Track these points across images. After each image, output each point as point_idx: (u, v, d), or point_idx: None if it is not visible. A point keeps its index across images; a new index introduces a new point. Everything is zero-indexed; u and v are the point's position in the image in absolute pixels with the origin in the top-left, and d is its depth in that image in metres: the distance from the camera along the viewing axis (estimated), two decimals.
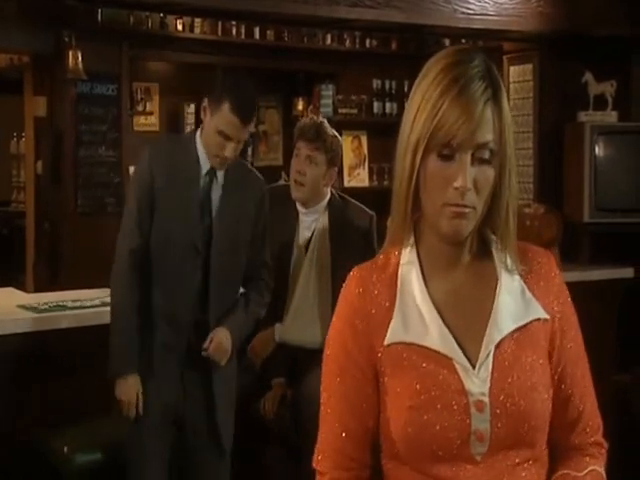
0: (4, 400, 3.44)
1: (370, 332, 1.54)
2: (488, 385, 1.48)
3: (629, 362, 5.16)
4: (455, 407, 1.47)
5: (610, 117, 5.80)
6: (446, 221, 1.47)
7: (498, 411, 1.47)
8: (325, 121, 3.79)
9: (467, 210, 1.46)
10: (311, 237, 3.73)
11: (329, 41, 6.79)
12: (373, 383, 1.55)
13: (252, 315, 3.40)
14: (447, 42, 6.71)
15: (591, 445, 1.60)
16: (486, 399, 1.47)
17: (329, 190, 3.76)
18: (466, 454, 1.47)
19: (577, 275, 4.91)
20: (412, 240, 1.56)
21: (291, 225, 3.72)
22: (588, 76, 5.77)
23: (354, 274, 1.59)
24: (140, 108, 6.63)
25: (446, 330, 1.50)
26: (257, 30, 6.47)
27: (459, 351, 1.49)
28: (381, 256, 1.60)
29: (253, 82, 3.32)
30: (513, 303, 1.53)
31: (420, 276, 1.54)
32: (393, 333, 1.52)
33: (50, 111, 6.03)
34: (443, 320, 1.51)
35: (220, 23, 6.32)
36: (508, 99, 1.52)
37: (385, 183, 6.92)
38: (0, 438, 3.41)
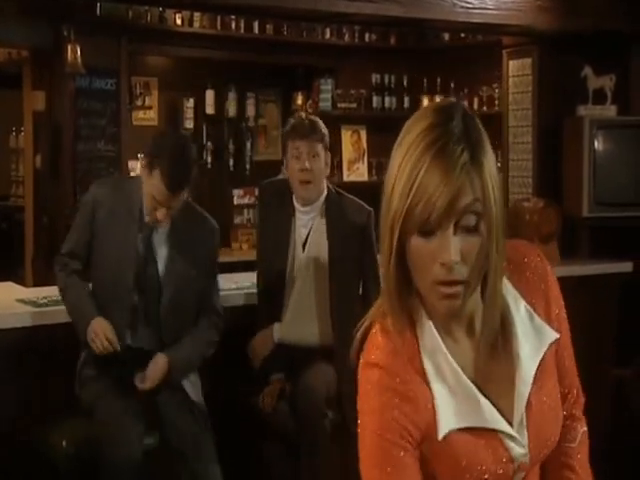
0: (2, 395, 3.44)
1: (414, 421, 1.44)
2: (526, 440, 1.48)
3: (628, 356, 5.16)
4: (501, 474, 1.47)
5: (609, 111, 5.80)
6: (438, 301, 1.40)
7: (533, 458, 1.50)
8: (308, 114, 3.85)
9: (457, 288, 1.38)
10: (308, 234, 3.71)
11: (328, 35, 6.78)
12: (417, 464, 1.47)
13: (198, 350, 3.43)
14: (446, 36, 6.72)
15: (576, 408, 1.65)
16: (527, 459, 1.49)
17: (326, 185, 3.75)
18: None
19: (576, 269, 4.91)
20: (423, 314, 1.48)
21: (287, 222, 3.71)
22: (587, 70, 5.76)
23: (380, 370, 1.46)
24: (139, 102, 6.61)
25: (486, 402, 1.46)
26: (256, 24, 6.46)
27: (502, 420, 1.47)
28: (395, 337, 1.47)
29: (190, 147, 3.32)
30: (529, 341, 1.50)
31: (445, 351, 1.46)
32: (444, 424, 1.44)
33: (49, 105, 6.02)
34: (480, 389, 1.46)
35: (219, 17, 6.31)
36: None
37: (384, 178, 6.89)
38: None
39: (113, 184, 3.50)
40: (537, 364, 1.50)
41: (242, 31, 6.44)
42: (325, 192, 3.74)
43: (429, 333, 1.47)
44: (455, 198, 1.34)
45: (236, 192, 6.92)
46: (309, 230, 3.71)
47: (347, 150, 7.06)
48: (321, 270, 3.67)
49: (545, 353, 1.52)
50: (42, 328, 3.46)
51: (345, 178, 6.96)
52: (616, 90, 5.78)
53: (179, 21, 6.22)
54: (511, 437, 1.47)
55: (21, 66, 6.51)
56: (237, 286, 4.08)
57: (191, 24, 6.27)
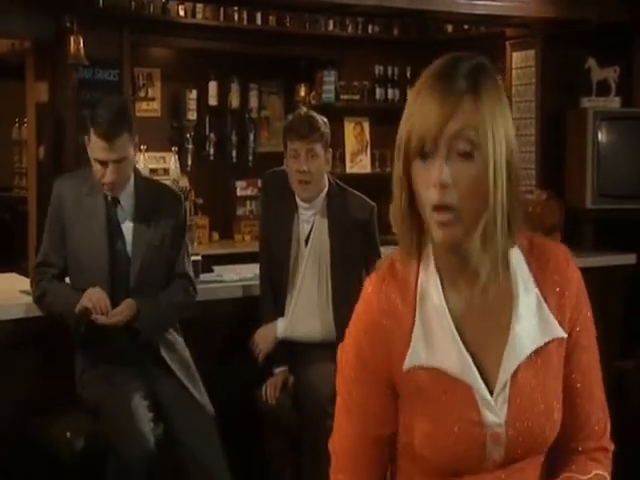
0: (5, 385, 3.44)
1: (389, 349, 1.51)
2: (505, 414, 1.48)
3: (630, 348, 5.16)
4: (471, 438, 1.47)
5: (613, 103, 5.78)
6: (434, 230, 1.43)
7: (512, 438, 1.48)
8: (309, 110, 3.77)
9: (449, 215, 1.40)
10: (310, 230, 3.68)
11: (331, 27, 6.76)
12: (390, 395, 1.54)
13: (167, 307, 3.43)
14: (449, 28, 6.70)
15: (596, 450, 1.60)
16: (502, 430, 1.48)
17: (327, 180, 3.72)
18: (479, 469, 1.50)
19: (579, 261, 4.81)
20: (430, 253, 1.51)
21: (290, 216, 3.68)
22: (591, 62, 5.75)
23: (373, 288, 1.54)
24: (142, 94, 6.60)
25: (467, 355, 1.47)
26: (259, 16, 6.44)
27: (479, 378, 1.48)
28: (400, 267, 1.53)
29: (121, 99, 3.45)
30: (530, 323, 1.50)
31: (440, 292, 1.49)
32: (412, 357, 1.49)
33: (52, 97, 6.01)
34: (463, 341, 1.47)
35: (222, 9, 6.29)
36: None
37: (387, 169, 6.90)
38: (1, 424, 3.41)
39: (75, 175, 3.56)
40: (534, 348, 1.49)
41: (245, 22, 6.43)
42: (327, 187, 3.71)
43: (432, 273, 1.51)
44: (446, 121, 1.39)
45: (239, 184, 6.92)
46: (311, 226, 3.68)
47: (350, 142, 7.05)
48: (324, 266, 3.66)
49: (548, 345, 1.50)
50: (45, 319, 3.46)
51: (348, 170, 6.94)
52: (620, 82, 5.77)
53: (182, 12, 6.20)
54: (487, 403, 1.47)
55: (24, 57, 6.50)
56: (240, 277, 4.08)
57: (194, 15, 6.25)
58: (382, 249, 3.66)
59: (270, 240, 3.75)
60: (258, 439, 3.83)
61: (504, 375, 1.48)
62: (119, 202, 3.40)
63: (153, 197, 3.47)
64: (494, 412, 1.47)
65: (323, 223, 3.67)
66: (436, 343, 1.48)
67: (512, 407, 1.48)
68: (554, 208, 4.98)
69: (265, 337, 3.68)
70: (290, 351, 3.69)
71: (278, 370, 3.68)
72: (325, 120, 3.69)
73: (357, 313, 1.56)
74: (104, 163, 3.27)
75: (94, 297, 3.26)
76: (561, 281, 1.54)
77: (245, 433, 3.78)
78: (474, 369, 1.47)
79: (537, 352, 1.50)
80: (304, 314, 3.66)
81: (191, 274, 3.57)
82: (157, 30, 6.22)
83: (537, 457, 1.55)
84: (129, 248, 3.39)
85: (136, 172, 3.49)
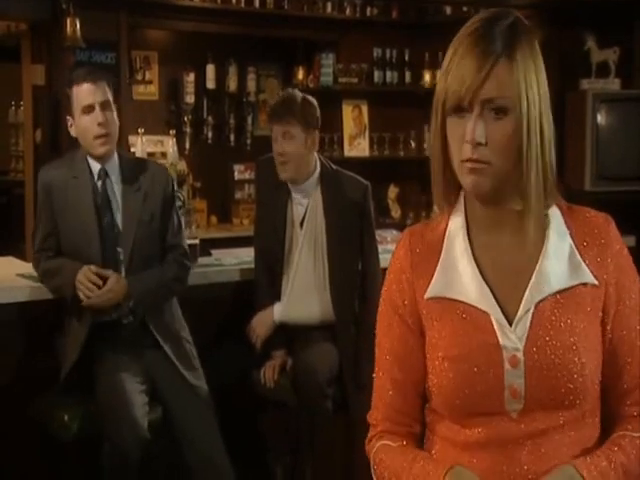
0: (3, 369, 3.44)
1: (414, 286, 1.60)
2: (524, 342, 1.50)
3: None
4: (489, 362, 1.51)
5: (613, 84, 5.76)
6: (464, 177, 1.50)
7: (532, 368, 1.49)
8: (293, 90, 3.73)
9: (480, 166, 1.47)
10: (305, 213, 3.66)
11: (329, 9, 6.74)
12: (418, 336, 1.60)
13: (159, 279, 3.41)
14: (448, 10, 6.67)
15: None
16: (520, 355, 1.50)
17: (318, 161, 3.69)
18: (501, 410, 1.51)
19: None
20: (462, 203, 1.59)
21: (284, 200, 3.66)
22: (591, 43, 5.72)
23: (406, 233, 1.66)
24: (139, 77, 6.57)
25: (486, 287, 1.53)
26: None
27: (497, 307, 1.53)
28: (434, 219, 1.64)
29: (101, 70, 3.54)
30: (558, 266, 1.53)
31: (465, 235, 1.58)
32: (433, 287, 1.57)
33: (48, 79, 5.99)
34: (484, 277, 1.54)
35: None
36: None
37: (386, 153, 6.88)
38: (3, 404, 3.41)
39: (57, 163, 3.54)
40: (560, 288, 1.52)
41: (243, 5, 6.41)
42: (319, 169, 3.68)
43: (461, 219, 1.59)
44: (482, 84, 1.45)
45: (237, 167, 6.90)
46: (306, 208, 3.66)
47: (348, 125, 7.03)
48: (319, 248, 3.63)
49: (577, 287, 1.53)
50: (42, 303, 3.45)
51: (346, 153, 6.92)
52: (620, 63, 5.74)
53: None
54: (503, 327, 1.51)
55: (20, 39, 6.48)
56: (238, 261, 4.07)
57: None
58: (378, 232, 3.64)
59: (265, 225, 3.73)
60: (256, 422, 3.83)
61: (525, 306, 1.52)
62: (107, 175, 3.39)
63: (139, 171, 3.46)
64: (512, 337, 1.50)
65: (318, 205, 3.65)
66: (457, 278, 1.56)
67: (531, 336, 1.50)
68: None
69: (262, 323, 3.66)
70: (288, 333, 3.67)
71: (276, 353, 3.67)
72: (311, 100, 3.63)
73: (390, 260, 1.67)
74: (92, 109, 3.29)
75: (80, 279, 3.25)
76: (601, 241, 1.58)
77: (243, 416, 3.78)
78: (492, 298, 1.53)
79: (563, 292, 1.53)
80: (301, 297, 3.65)
81: (184, 245, 3.53)
82: (154, 12, 6.19)
83: (558, 415, 1.51)
84: (119, 222, 3.37)
85: (118, 149, 3.48)
